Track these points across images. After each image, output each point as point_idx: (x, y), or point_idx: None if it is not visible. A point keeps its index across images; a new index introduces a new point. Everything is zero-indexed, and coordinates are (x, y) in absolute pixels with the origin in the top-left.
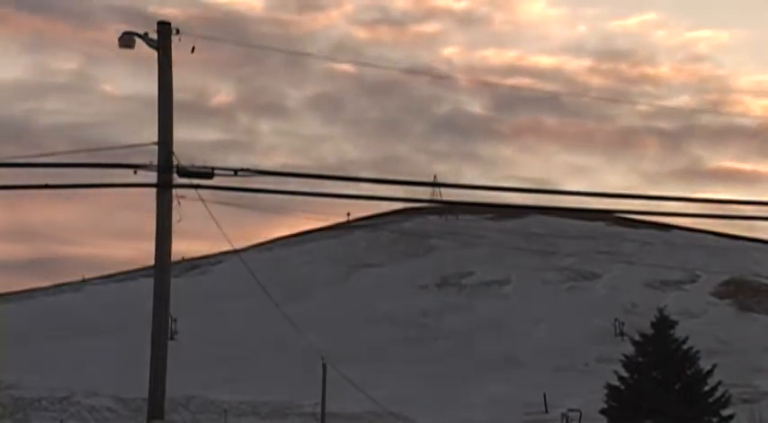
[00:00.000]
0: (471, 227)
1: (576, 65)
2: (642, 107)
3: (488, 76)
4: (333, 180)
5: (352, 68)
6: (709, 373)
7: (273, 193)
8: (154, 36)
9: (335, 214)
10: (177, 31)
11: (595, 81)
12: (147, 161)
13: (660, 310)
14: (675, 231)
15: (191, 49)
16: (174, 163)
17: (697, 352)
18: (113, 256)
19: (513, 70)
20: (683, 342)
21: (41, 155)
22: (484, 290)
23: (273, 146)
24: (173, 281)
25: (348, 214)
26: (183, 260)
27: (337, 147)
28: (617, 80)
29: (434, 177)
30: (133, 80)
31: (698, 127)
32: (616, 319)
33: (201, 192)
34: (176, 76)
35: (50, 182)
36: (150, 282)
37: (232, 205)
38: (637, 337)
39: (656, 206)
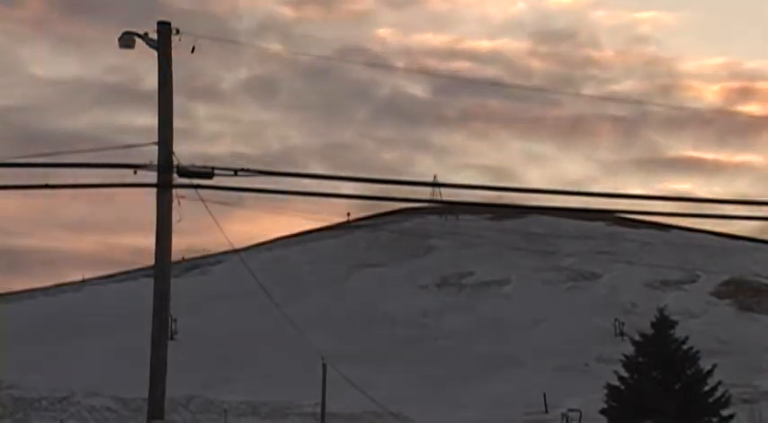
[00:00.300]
0: (471, 227)
1: (515, 47)
2: (590, 92)
3: (427, 59)
4: (333, 180)
5: (284, 50)
6: (710, 373)
7: (273, 193)
8: (154, 36)
9: (335, 214)
10: (177, 31)
11: (536, 64)
12: (147, 161)
13: (660, 310)
14: (675, 231)
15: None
16: (174, 163)
17: (697, 352)
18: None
19: (452, 54)
20: (683, 342)
21: (41, 155)
22: (484, 290)
23: (217, 133)
24: (173, 281)
25: (348, 214)
26: (183, 260)
27: (280, 133)
28: (559, 64)
29: (434, 177)
30: (63, 62)
31: (651, 114)
32: (616, 319)
33: (201, 192)
34: (109, 57)
35: (50, 182)
36: (150, 282)
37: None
38: (637, 337)
39: (656, 206)
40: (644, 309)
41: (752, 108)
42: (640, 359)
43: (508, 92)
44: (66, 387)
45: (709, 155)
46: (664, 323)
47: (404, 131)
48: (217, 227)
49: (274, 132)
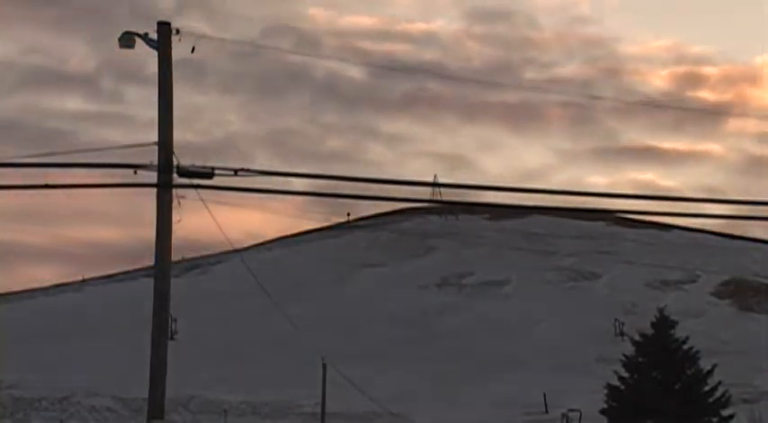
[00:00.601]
0: (471, 227)
1: (451, 29)
2: (532, 76)
3: (360, 41)
4: (333, 180)
5: (209, 28)
6: (710, 373)
7: (273, 193)
8: (154, 36)
9: (335, 214)
10: (177, 31)
11: (473, 47)
12: (147, 161)
13: (660, 310)
14: (675, 231)
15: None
16: (174, 163)
17: (697, 352)
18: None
19: (386, 36)
20: (684, 342)
21: (41, 155)
22: (484, 290)
23: (153, 119)
24: (173, 281)
25: (348, 214)
26: (183, 260)
27: (218, 118)
28: (497, 46)
29: (434, 177)
30: None
31: (601, 99)
32: (616, 319)
33: (201, 192)
34: (33, 38)
35: (50, 182)
36: (150, 282)
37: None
38: (637, 337)
39: (656, 206)
40: (644, 309)
41: (705, 94)
42: (640, 359)
43: (449, 75)
44: (66, 387)
45: (666, 143)
46: (664, 323)
47: (347, 117)
48: (217, 227)
49: (212, 118)
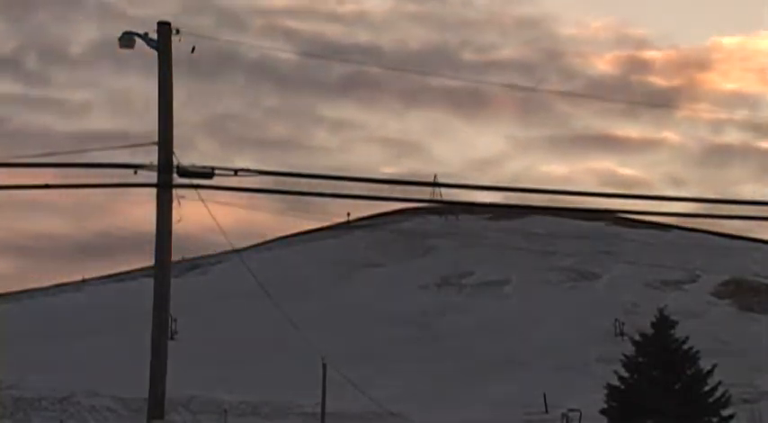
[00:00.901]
0: (471, 227)
1: (382, 8)
2: (470, 58)
3: (286, 20)
4: (333, 180)
5: (127, 5)
6: (710, 373)
7: (273, 193)
8: (154, 36)
9: (335, 214)
10: (177, 31)
11: (408, 27)
12: (147, 161)
13: (660, 310)
14: (675, 231)
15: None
16: (174, 163)
17: (697, 352)
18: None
19: (313, 15)
20: (684, 342)
21: (41, 155)
22: (484, 290)
23: (84, 104)
24: (173, 281)
25: (348, 214)
26: (183, 260)
27: (151, 102)
28: (433, 27)
29: (434, 177)
30: None
31: (548, 84)
32: (616, 319)
33: (201, 192)
34: None
35: (50, 182)
36: (150, 282)
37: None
38: (637, 337)
39: (656, 206)
40: (644, 309)
41: (654, 79)
42: (640, 359)
43: (387, 58)
44: (66, 387)
45: (620, 131)
46: (664, 323)
47: (289, 101)
48: (217, 227)
49: (145, 100)
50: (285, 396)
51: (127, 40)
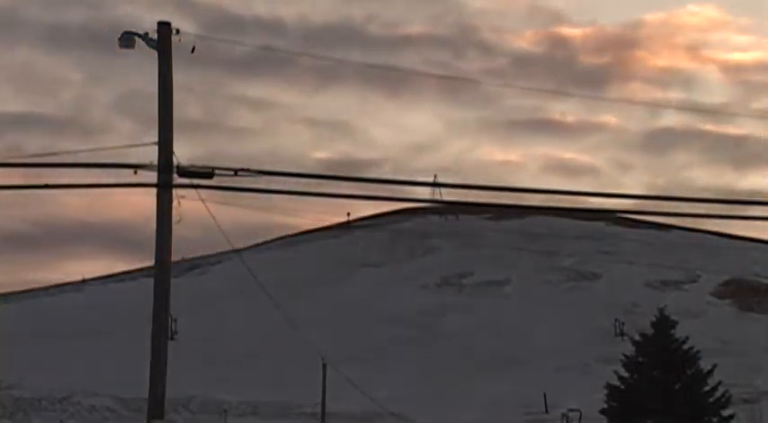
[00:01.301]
0: (471, 227)
1: None
2: (378, 32)
3: None
4: (333, 180)
5: None
6: (710, 373)
7: (273, 193)
8: (154, 36)
9: (335, 214)
10: (177, 31)
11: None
12: (147, 161)
13: (660, 310)
14: (675, 231)
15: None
16: (175, 163)
17: (697, 352)
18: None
19: None
20: (684, 342)
21: (41, 155)
22: (484, 290)
23: None
24: (173, 281)
25: (348, 214)
26: (183, 260)
27: (62, 78)
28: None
29: (434, 177)
30: None
31: (467, 61)
32: (616, 319)
33: (201, 192)
34: None
35: (50, 182)
36: (150, 282)
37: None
38: (637, 337)
39: (656, 206)
40: (644, 309)
41: (582, 57)
42: (640, 359)
43: (291, 34)
44: (66, 387)
45: (555, 113)
46: (664, 323)
47: (198, 77)
48: (217, 227)
49: (49, 77)
50: (285, 396)
51: (127, 39)
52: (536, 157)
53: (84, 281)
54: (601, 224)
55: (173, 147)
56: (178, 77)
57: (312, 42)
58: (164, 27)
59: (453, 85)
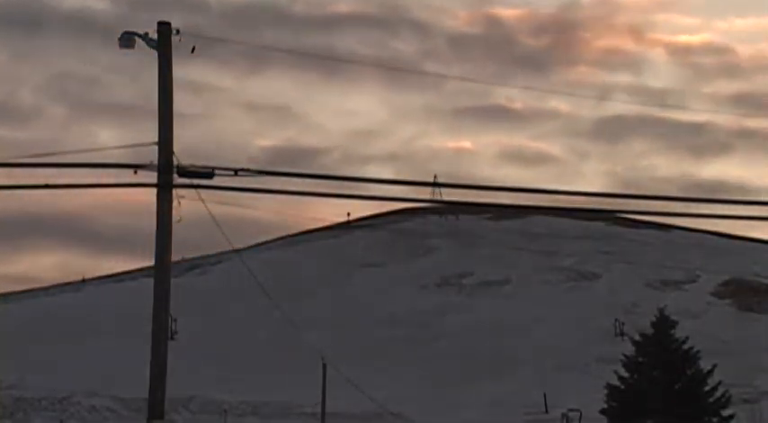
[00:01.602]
0: (471, 227)
1: None
2: (305, 11)
3: None
4: (333, 180)
5: None
6: (710, 373)
7: (273, 193)
8: (154, 36)
9: (335, 214)
10: (177, 32)
11: None
12: (147, 161)
13: (660, 310)
14: (675, 231)
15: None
16: (175, 163)
17: (697, 352)
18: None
19: None
20: (684, 342)
21: (41, 155)
22: (484, 290)
23: None
24: (173, 281)
25: (348, 214)
26: (183, 260)
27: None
28: None
29: (434, 177)
30: None
31: (402, 42)
32: (616, 319)
33: (201, 192)
34: None
35: (50, 182)
36: (150, 282)
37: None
38: (637, 337)
39: (656, 206)
40: (644, 309)
41: (522, 39)
42: (640, 359)
43: (213, 12)
44: (66, 387)
45: (503, 99)
46: (664, 323)
47: (138, 60)
48: (217, 227)
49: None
50: (285, 396)
51: (126, 39)
52: (489, 145)
53: (84, 281)
54: (601, 224)
55: (173, 147)
56: (105, 58)
57: (237, 23)
58: (164, 27)
59: (393, 67)
